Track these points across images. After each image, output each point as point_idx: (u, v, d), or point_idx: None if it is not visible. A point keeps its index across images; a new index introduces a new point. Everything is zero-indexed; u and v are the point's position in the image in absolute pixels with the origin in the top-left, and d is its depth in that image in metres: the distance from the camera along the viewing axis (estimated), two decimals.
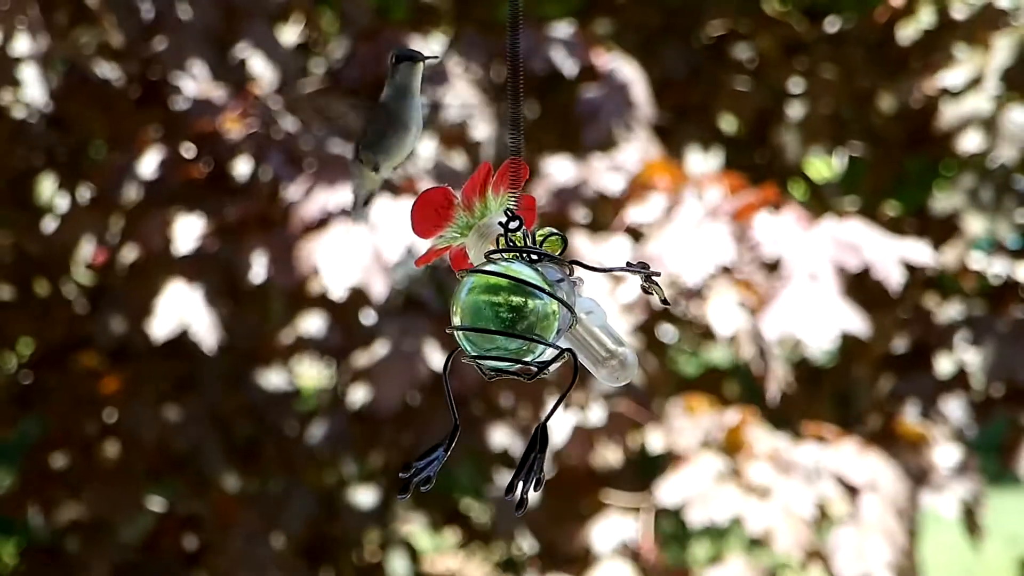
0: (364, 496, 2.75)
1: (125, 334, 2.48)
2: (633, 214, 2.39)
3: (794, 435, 2.51)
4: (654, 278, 0.85)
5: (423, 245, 2.16)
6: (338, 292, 2.21)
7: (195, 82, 2.39)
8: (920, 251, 2.44)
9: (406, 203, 2.27)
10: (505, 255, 0.82)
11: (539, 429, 0.81)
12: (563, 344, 0.82)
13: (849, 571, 2.39)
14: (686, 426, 2.46)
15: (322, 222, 2.26)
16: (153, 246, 2.34)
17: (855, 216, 2.54)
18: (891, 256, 2.40)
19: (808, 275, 2.34)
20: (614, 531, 2.48)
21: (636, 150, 2.52)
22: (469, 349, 0.81)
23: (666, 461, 2.49)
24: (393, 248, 2.23)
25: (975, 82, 2.70)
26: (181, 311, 2.32)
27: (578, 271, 0.84)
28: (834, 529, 2.44)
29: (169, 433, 2.63)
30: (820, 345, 2.36)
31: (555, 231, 0.84)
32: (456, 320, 0.81)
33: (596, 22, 3.09)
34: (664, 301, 0.86)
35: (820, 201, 3.25)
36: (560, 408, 0.85)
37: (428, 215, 0.85)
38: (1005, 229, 2.76)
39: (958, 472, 2.62)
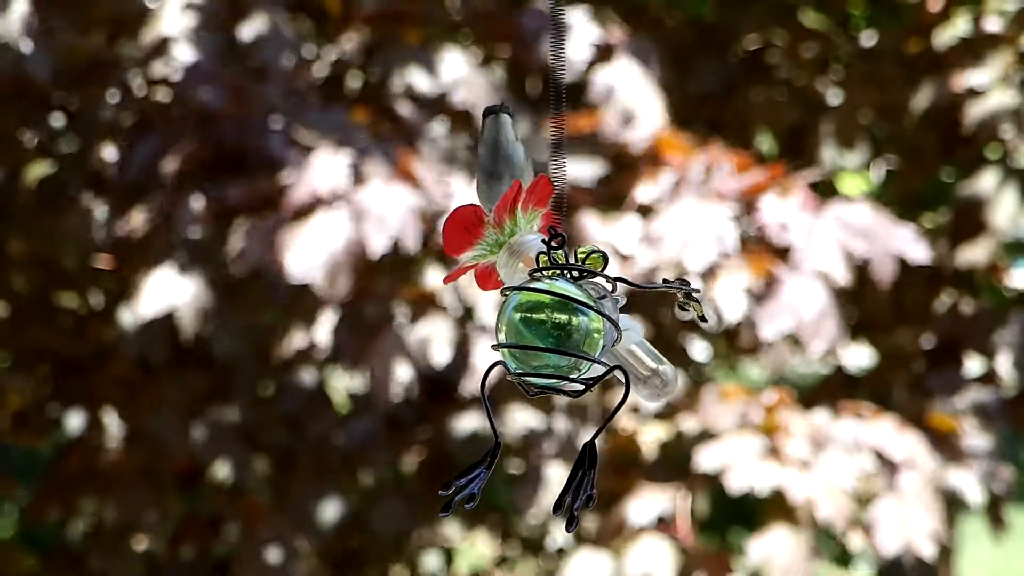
0: (396, 503, 2.75)
1: (150, 341, 2.48)
2: (643, 193, 2.38)
3: (832, 413, 2.51)
4: (694, 295, 0.85)
5: (410, 239, 2.19)
6: (298, 278, 2.21)
7: (201, 63, 2.38)
8: (917, 249, 2.42)
9: (396, 191, 2.27)
10: (547, 273, 0.82)
11: (587, 446, 0.81)
12: (609, 362, 0.82)
13: (891, 541, 2.39)
14: (721, 410, 2.47)
15: (310, 207, 2.26)
16: (150, 230, 2.35)
17: (862, 202, 2.52)
18: (890, 247, 2.39)
19: (814, 266, 2.33)
20: (651, 507, 2.48)
21: (649, 124, 2.51)
22: (514, 367, 0.81)
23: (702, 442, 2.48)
24: (380, 238, 2.24)
25: (1003, 80, 2.70)
26: (168, 293, 2.32)
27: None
28: (875, 502, 2.44)
29: (196, 443, 2.63)
30: (816, 349, 2.34)
31: (597, 248, 0.84)
32: (501, 337, 0.81)
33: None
34: (702, 318, 0.86)
35: None
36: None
37: (459, 232, 0.85)
38: None
39: (987, 460, 2.62)
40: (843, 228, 2.37)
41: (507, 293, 0.82)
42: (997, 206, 2.76)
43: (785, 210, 2.35)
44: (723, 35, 3.09)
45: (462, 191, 2.30)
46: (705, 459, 2.40)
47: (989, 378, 2.81)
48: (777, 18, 3.11)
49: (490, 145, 0.88)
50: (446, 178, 2.33)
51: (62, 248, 2.61)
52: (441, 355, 2.36)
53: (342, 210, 2.25)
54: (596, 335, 0.80)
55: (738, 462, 2.38)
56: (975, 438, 2.63)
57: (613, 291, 0.83)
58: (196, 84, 2.38)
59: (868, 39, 3.15)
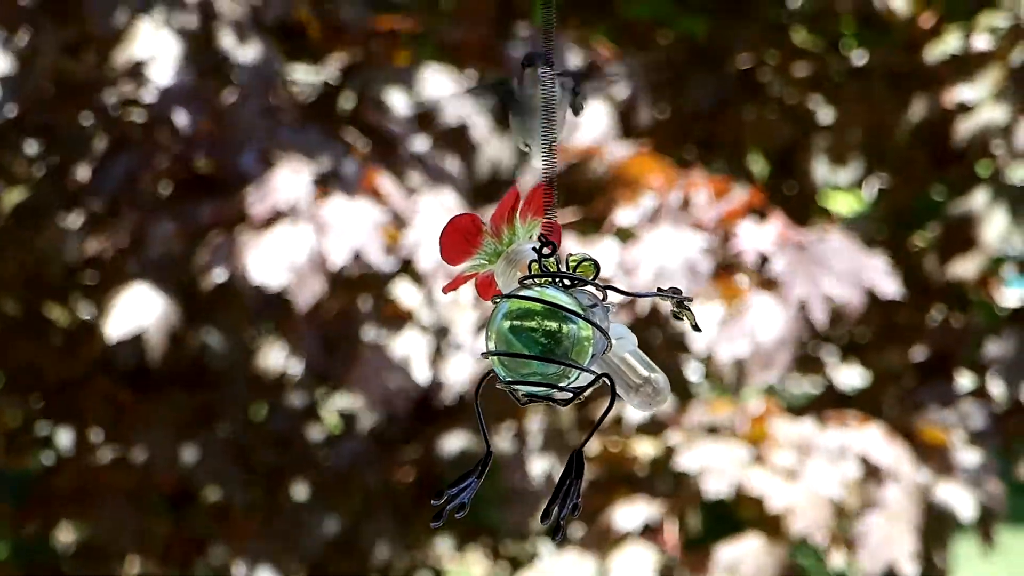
0: (385, 522, 2.74)
1: (142, 359, 2.48)
2: (622, 216, 2.38)
3: (819, 422, 2.51)
4: (686, 303, 0.85)
5: (373, 254, 2.20)
6: (258, 283, 2.21)
7: (176, 84, 2.39)
8: (888, 282, 2.42)
9: (359, 205, 2.28)
10: (538, 280, 0.82)
11: (574, 455, 0.81)
12: (597, 370, 0.81)
13: (875, 559, 2.38)
14: (707, 420, 2.47)
15: (272, 219, 2.27)
16: (122, 249, 2.36)
17: (838, 230, 2.52)
18: (861, 279, 2.39)
19: (787, 295, 2.33)
20: (637, 515, 2.47)
21: (623, 145, 2.52)
22: (504, 375, 0.81)
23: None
24: (340, 251, 2.24)
25: (994, 96, 2.71)
26: (136, 314, 2.32)
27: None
28: (860, 517, 2.43)
29: (185, 463, 2.62)
30: (763, 380, 2.34)
31: (588, 256, 0.84)
32: (490, 345, 0.81)
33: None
34: (696, 327, 0.86)
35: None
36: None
37: (456, 242, 0.85)
38: (1019, 243, 2.77)
39: (978, 474, 2.61)
40: (816, 260, 2.37)
41: (497, 300, 0.82)
42: (988, 223, 2.76)
43: (761, 239, 2.35)
44: (715, 54, 3.10)
45: (433, 207, 2.30)
46: (687, 460, 2.41)
47: (980, 394, 2.81)
48: (769, 38, 3.12)
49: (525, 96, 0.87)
50: (419, 196, 2.34)
51: (46, 264, 2.61)
52: (421, 372, 2.37)
53: (305, 223, 2.26)
54: (586, 343, 0.80)
55: (717, 465, 2.38)
56: (966, 452, 2.63)
57: (604, 299, 0.83)
58: (171, 105, 2.38)
59: (859, 58, 3.16)
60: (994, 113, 2.69)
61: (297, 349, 2.47)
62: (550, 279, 0.82)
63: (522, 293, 0.81)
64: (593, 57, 2.64)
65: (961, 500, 2.55)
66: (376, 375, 2.36)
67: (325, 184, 2.32)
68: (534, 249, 0.82)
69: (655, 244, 2.31)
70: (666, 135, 3.05)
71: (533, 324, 0.80)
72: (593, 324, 0.80)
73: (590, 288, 0.83)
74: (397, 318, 2.41)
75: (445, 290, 0.88)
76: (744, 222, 2.36)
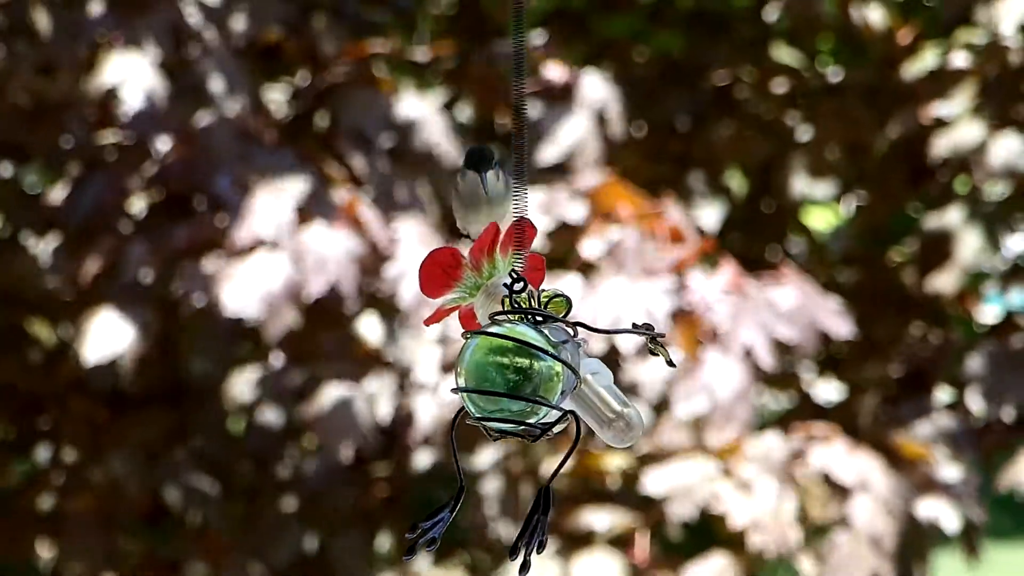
0: (357, 538, 2.74)
1: (117, 378, 2.48)
2: (588, 247, 2.38)
3: (785, 435, 2.51)
4: (659, 339, 0.85)
5: (347, 286, 2.19)
6: (232, 312, 2.22)
7: (147, 104, 2.39)
8: (840, 325, 2.43)
9: (336, 236, 2.28)
10: (510, 316, 0.82)
11: (543, 491, 0.81)
12: (568, 406, 0.82)
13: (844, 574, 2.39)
14: (675, 436, 2.46)
15: (251, 248, 2.27)
16: (98, 272, 2.35)
17: (792, 273, 2.52)
18: (815, 322, 2.40)
19: (737, 346, 2.33)
20: (605, 521, 2.47)
21: (595, 174, 2.52)
22: (474, 411, 0.81)
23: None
24: (317, 282, 2.24)
25: (971, 111, 2.72)
26: (111, 340, 2.32)
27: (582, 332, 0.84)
28: (826, 534, 2.43)
29: (158, 482, 2.61)
30: (725, 437, 2.35)
31: (560, 292, 0.84)
32: (460, 381, 0.81)
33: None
34: (670, 363, 0.86)
35: (819, 251, 3.28)
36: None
37: (436, 275, 0.85)
38: (996, 260, 2.78)
39: (960, 488, 2.62)
40: (767, 308, 2.38)
41: (468, 336, 0.82)
42: (963, 240, 2.78)
43: (710, 289, 2.36)
44: (692, 70, 3.11)
45: (411, 235, 2.31)
46: (652, 483, 2.40)
47: (958, 408, 2.82)
48: (746, 53, 3.12)
49: (468, 192, 0.88)
50: (395, 223, 2.34)
51: (26, 282, 2.60)
52: (386, 411, 2.38)
53: (282, 252, 2.26)
54: (555, 380, 0.80)
55: (684, 486, 2.38)
56: (947, 467, 2.64)
57: (575, 335, 0.83)
58: (144, 128, 2.38)
59: (836, 75, 3.17)
60: (970, 130, 2.70)
61: (268, 378, 2.48)
62: (522, 315, 0.82)
63: (493, 329, 0.81)
64: (569, 77, 2.64)
65: (944, 514, 2.56)
66: (337, 418, 2.37)
67: (306, 210, 2.32)
68: (505, 285, 0.82)
69: (611, 292, 2.31)
70: (642, 152, 3.05)
71: (504, 360, 0.80)
72: (563, 361, 0.80)
73: (561, 324, 0.83)
74: (367, 358, 2.42)
75: (427, 323, 0.88)
76: (695, 272, 2.37)
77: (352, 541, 2.70)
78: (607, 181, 2.47)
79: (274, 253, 2.26)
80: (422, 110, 2.52)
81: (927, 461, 2.62)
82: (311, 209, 2.32)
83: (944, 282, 2.84)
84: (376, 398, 2.39)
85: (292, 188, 2.33)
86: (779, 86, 3.12)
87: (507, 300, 0.83)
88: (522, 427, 0.80)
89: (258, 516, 2.72)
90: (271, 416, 2.66)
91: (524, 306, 0.83)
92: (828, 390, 3.13)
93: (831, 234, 3.39)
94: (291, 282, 2.24)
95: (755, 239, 3.23)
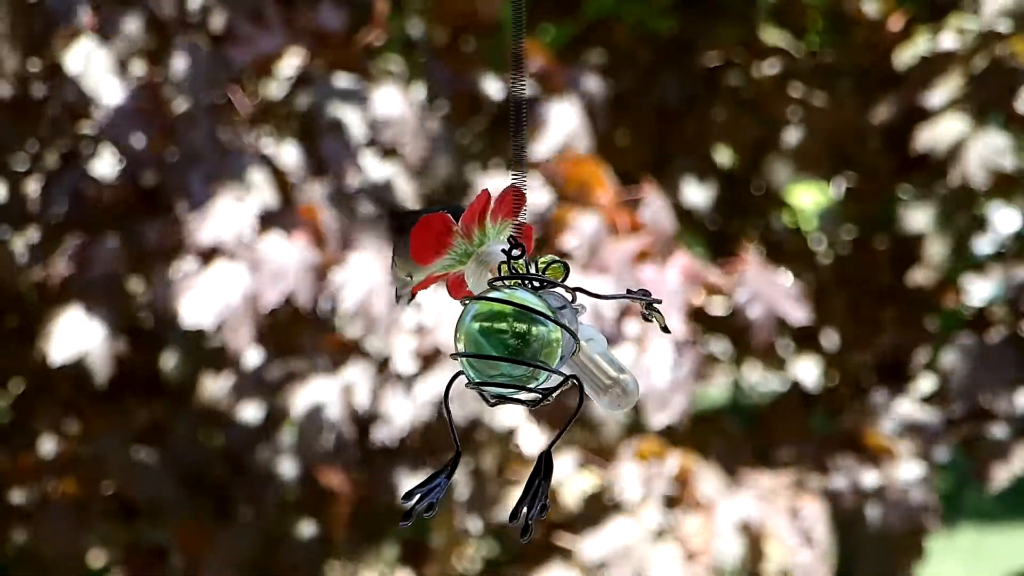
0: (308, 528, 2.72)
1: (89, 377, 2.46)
2: (563, 239, 2.38)
3: (732, 479, 2.51)
4: (655, 305, 0.85)
5: (303, 296, 2.19)
6: (190, 325, 2.24)
7: (121, 97, 2.37)
8: (797, 310, 2.46)
9: (294, 247, 2.29)
10: (508, 282, 0.82)
11: (543, 456, 0.81)
12: (565, 372, 0.82)
13: None
14: (632, 472, 2.45)
15: (211, 255, 2.28)
16: (67, 269, 2.35)
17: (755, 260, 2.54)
18: (772, 309, 2.42)
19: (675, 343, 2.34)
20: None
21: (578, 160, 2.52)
22: (473, 376, 0.81)
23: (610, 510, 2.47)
24: (272, 293, 2.25)
25: (955, 102, 2.73)
26: (79, 338, 2.32)
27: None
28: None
29: (135, 476, 2.59)
30: (658, 422, 2.34)
31: (557, 259, 0.84)
32: (459, 347, 0.81)
33: (590, 54, 3.11)
34: (665, 328, 0.86)
35: (801, 234, 3.29)
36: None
37: (427, 241, 0.85)
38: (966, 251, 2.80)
39: (915, 488, 2.64)
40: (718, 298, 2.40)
41: (466, 302, 0.82)
42: (932, 241, 2.81)
43: (661, 282, 2.36)
44: (683, 51, 3.11)
45: (367, 247, 2.31)
46: (590, 548, 2.39)
47: (937, 398, 2.84)
48: (737, 34, 3.12)
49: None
50: (355, 230, 2.34)
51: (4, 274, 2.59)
52: (363, 400, 2.38)
53: (240, 262, 2.27)
54: (555, 345, 0.80)
55: (621, 551, 2.37)
56: (907, 463, 2.66)
57: (573, 301, 0.83)
58: (119, 124, 2.37)
59: (826, 56, 3.17)
60: (952, 123, 2.71)
61: (239, 382, 2.48)
62: (519, 281, 0.82)
63: (491, 295, 0.81)
64: (548, 68, 2.63)
65: (888, 515, 2.60)
66: (312, 417, 2.38)
67: (267, 218, 2.32)
68: (503, 251, 0.83)
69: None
70: (631, 135, 3.06)
71: (503, 326, 0.80)
72: (562, 326, 0.80)
73: (559, 290, 0.83)
74: (343, 349, 2.41)
75: (414, 290, 0.88)
76: (647, 266, 2.36)
77: (314, 540, 2.69)
78: (584, 164, 2.46)
79: (233, 263, 2.27)
80: (396, 104, 2.51)
81: (891, 456, 2.64)
82: (272, 217, 2.33)
83: (920, 277, 2.87)
84: (353, 388, 2.39)
85: (256, 193, 2.33)
86: (770, 67, 3.11)
87: (504, 266, 0.83)
88: (521, 391, 0.81)
89: (234, 513, 2.69)
90: (249, 413, 2.64)
91: (522, 272, 0.83)
92: (810, 371, 3.14)
93: (819, 214, 3.40)
94: (249, 293, 2.25)
95: (741, 219, 3.24)
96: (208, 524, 2.65)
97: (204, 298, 2.24)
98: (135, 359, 2.59)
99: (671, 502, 2.43)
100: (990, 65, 2.73)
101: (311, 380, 2.41)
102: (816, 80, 3.08)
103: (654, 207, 2.44)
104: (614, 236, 2.36)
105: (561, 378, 0.81)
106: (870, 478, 2.66)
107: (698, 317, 2.82)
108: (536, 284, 0.82)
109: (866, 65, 3.04)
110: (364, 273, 2.28)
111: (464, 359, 0.81)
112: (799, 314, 2.46)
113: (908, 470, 2.65)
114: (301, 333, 2.45)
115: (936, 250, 2.81)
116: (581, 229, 2.35)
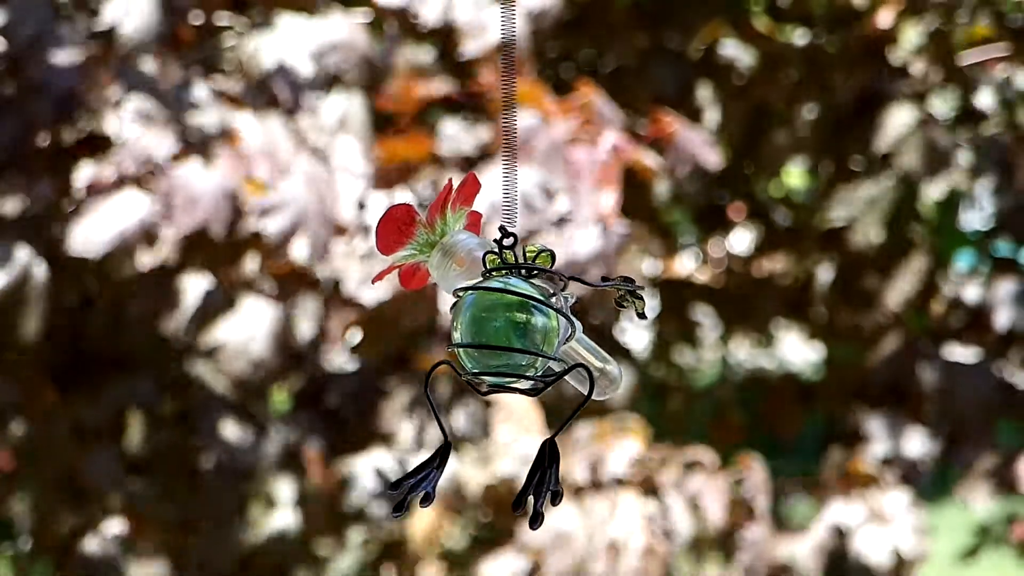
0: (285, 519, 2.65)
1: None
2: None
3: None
4: (637, 292, 0.85)
5: (218, 225, 2.09)
6: (78, 254, 2.18)
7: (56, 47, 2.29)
8: (710, 154, 2.49)
9: (213, 173, 2.22)
10: (502, 271, 0.82)
11: (547, 443, 0.81)
12: (566, 359, 0.82)
13: None
14: (577, 461, 2.40)
15: (119, 183, 2.22)
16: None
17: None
18: (685, 154, 2.47)
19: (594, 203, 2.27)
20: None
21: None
22: (470, 366, 0.81)
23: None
24: (184, 220, 2.18)
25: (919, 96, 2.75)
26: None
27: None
28: None
29: (86, 464, 2.52)
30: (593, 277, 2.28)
31: (545, 247, 0.85)
32: (457, 337, 0.81)
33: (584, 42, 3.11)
34: (641, 315, 0.86)
35: (798, 212, 3.30)
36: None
37: (391, 231, 0.85)
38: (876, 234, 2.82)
39: (903, 516, 2.64)
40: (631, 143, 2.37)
41: (461, 293, 0.82)
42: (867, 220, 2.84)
43: (590, 162, 2.28)
44: (676, 36, 3.09)
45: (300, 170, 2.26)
46: (531, 535, 2.35)
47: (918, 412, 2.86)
48: (728, 17, 3.11)
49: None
50: (301, 152, 2.28)
51: None
52: (305, 331, 2.36)
53: (147, 191, 2.20)
54: (552, 332, 0.81)
55: (561, 542, 2.33)
56: (892, 494, 2.66)
57: (563, 288, 0.83)
58: (53, 71, 2.28)
59: (816, 38, 3.17)
60: (912, 112, 2.74)
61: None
62: (512, 270, 0.82)
63: (489, 284, 0.81)
64: None
65: (875, 549, 2.60)
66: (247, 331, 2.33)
67: (187, 145, 2.25)
68: (495, 240, 0.83)
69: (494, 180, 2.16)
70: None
71: (503, 315, 0.80)
72: (561, 313, 0.81)
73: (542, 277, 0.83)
74: (290, 276, 2.36)
75: (375, 280, 0.88)
76: (577, 148, 2.29)
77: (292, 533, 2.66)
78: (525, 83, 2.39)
79: (139, 191, 2.20)
80: (343, 29, 2.43)
81: (878, 485, 2.64)
82: (194, 145, 2.26)
83: (898, 290, 2.88)
84: (296, 317, 2.35)
85: (184, 119, 2.27)
86: (761, 48, 3.11)
87: (493, 256, 0.83)
88: (520, 380, 0.81)
89: (201, 499, 2.61)
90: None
91: (511, 261, 0.83)
92: (802, 351, 3.16)
93: (812, 198, 3.42)
94: (147, 222, 2.18)
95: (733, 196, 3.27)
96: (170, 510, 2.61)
97: (95, 226, 2.17)
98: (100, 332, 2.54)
99: (623, 484, 2.39)
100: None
101: (248, 305, 2.36)
102: (806, 67, 3.08)
103: (591, 99, 2.38)
104: (545, 124, 2.30)
105: (561, 365, 0.82)
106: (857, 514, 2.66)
107: (685, 286, 2.84)
108: (528, 272, 0.82)
109: (856, 50, 3.03)
110: (295, 199, 2.21)
111: (461, 349, 0.81)
112: (713, 158, 2.49)
113: (896, 500, 2.65)
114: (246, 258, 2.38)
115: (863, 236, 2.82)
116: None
